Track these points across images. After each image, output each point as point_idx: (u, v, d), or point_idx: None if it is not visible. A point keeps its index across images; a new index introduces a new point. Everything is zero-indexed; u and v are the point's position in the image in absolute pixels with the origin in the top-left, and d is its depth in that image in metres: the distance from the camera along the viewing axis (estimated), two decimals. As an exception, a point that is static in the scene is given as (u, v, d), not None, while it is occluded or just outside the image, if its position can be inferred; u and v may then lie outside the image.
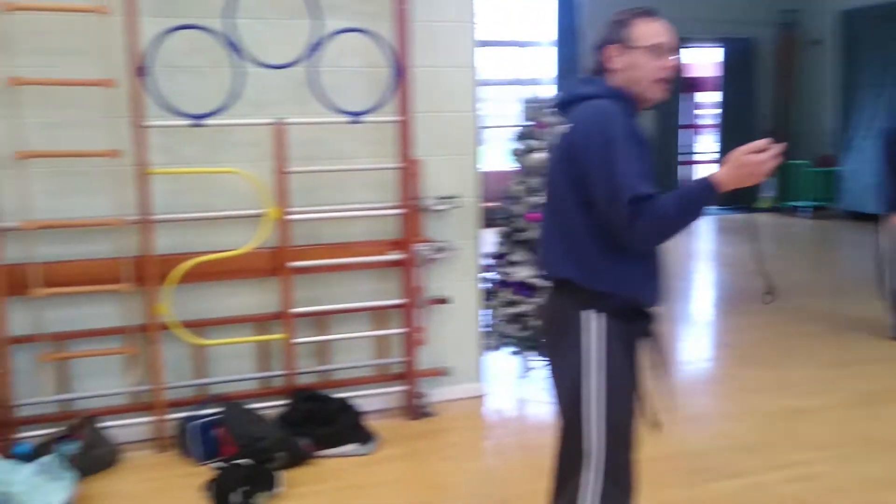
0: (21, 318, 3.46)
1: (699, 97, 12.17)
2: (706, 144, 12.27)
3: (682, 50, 2.16)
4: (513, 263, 4.28)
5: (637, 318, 2.22)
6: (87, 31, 3.43)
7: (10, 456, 3.22)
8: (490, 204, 4.54)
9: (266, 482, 3.15)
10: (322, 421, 3.58)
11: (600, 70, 2.19)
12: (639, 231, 1.98)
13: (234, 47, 3.57)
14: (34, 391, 3.54)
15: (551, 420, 3.98)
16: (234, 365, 3.82)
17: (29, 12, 3.30)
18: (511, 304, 4.28)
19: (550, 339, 2.30)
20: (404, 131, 3.82)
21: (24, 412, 3.50)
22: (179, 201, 3.62)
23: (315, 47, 3.67)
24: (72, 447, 3.30)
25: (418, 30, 3.83)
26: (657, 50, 2.11)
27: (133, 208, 3.49)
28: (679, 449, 3.53)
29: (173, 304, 3.58)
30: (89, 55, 3.45)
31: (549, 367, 2.31)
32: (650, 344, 2.27)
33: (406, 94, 3.80)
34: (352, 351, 4.01)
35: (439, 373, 4.10)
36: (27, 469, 3.10)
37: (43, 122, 3.43)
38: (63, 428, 3.42)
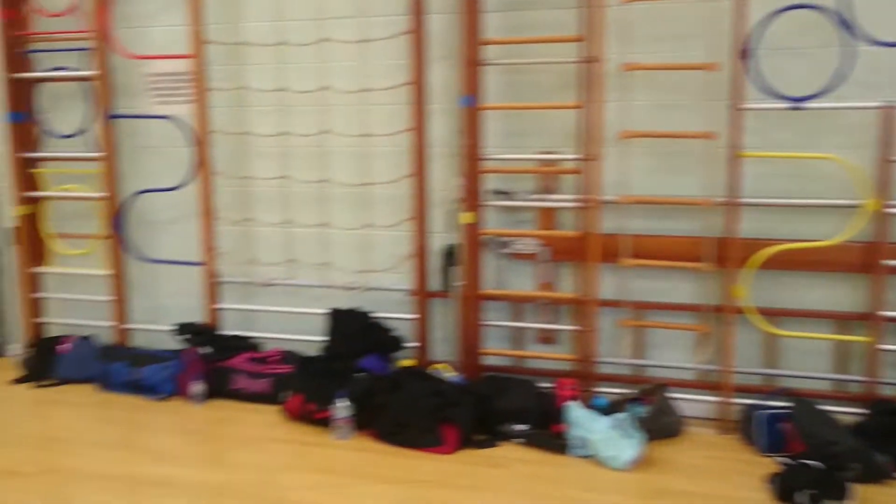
0: (609, 284, 3.80)
1: None
2: None
3: None
4: None
5: None
6: (695, 16, 3.55)
7: (589, 406, 3.58)
8: None
9: (836, 490, 2.93)
10: (906, 440, 3.20)
11: None
12: None
13: (846, 25, 3.34)
14: (613, 352, 3.87)
15: None
16: (807, 361, 3.64)
17: (644, 3, 3.55)
18: None
19: None
20: None
21: (604, 369, 3.85)
22: (768, 185, 3.56)
23: (945, 20, 3.24)
24: (642, 410, 3.52)
25: None
26: None
27: (721, 190, 3.54)
28: None
29: (750, 288, 3.55)
30: (695, 40, 3.56)
31: None
32: None
33: None
34: (949, 369, 3.50)
35: None
36: (604, 421, 3.41)
37: (647, 105, 3.67)
38: (635, 390, 3.67)
